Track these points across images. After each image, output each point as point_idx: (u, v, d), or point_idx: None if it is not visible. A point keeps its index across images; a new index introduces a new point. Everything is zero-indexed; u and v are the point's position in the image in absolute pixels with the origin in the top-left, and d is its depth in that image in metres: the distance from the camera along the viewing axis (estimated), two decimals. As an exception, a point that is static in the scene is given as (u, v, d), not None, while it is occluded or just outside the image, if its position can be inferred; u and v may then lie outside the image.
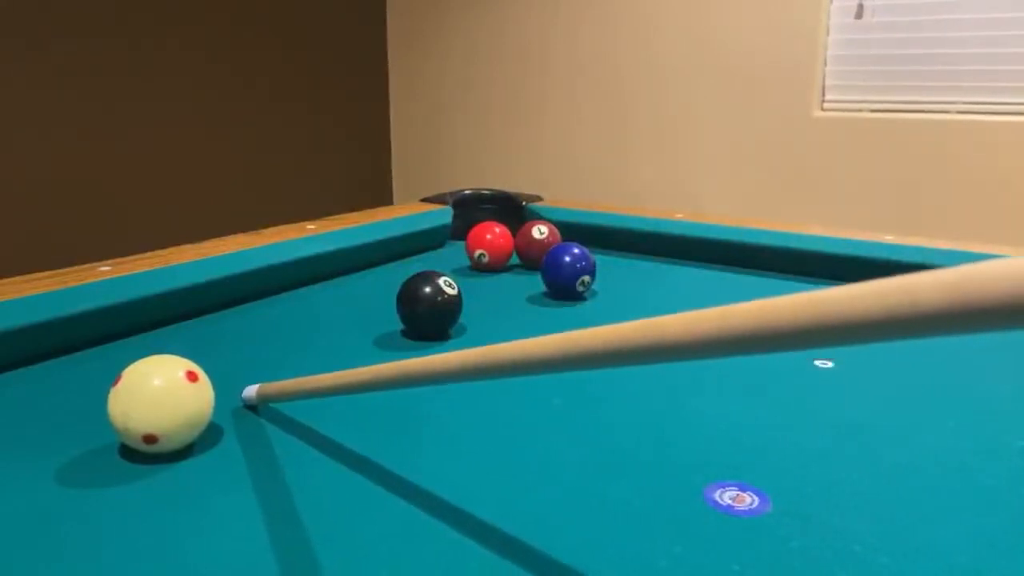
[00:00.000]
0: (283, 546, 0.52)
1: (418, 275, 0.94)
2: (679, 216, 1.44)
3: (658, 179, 2.95)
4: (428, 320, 0.93)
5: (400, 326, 0.98)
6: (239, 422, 0.71)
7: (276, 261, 1.13)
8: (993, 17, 2.29)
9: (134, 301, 0.94)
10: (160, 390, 0.62)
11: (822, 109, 2.61)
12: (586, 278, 1.10)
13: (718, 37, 2.72)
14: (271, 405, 0.75)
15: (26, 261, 2.24)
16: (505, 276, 1.25)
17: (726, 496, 0.59)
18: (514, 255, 1.29)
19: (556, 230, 1.29)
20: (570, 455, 0.65)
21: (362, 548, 0.52)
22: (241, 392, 0.76)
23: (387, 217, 1.39)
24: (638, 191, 2.99)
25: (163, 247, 1.14)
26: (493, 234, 1.26)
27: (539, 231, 1.27)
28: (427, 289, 0.92)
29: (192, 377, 0.64)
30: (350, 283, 1.20)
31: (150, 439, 0.62)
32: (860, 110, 2.54)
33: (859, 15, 2.48)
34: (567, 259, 1.09)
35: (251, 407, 0.75)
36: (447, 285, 0.93)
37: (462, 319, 1.01)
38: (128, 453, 0.65)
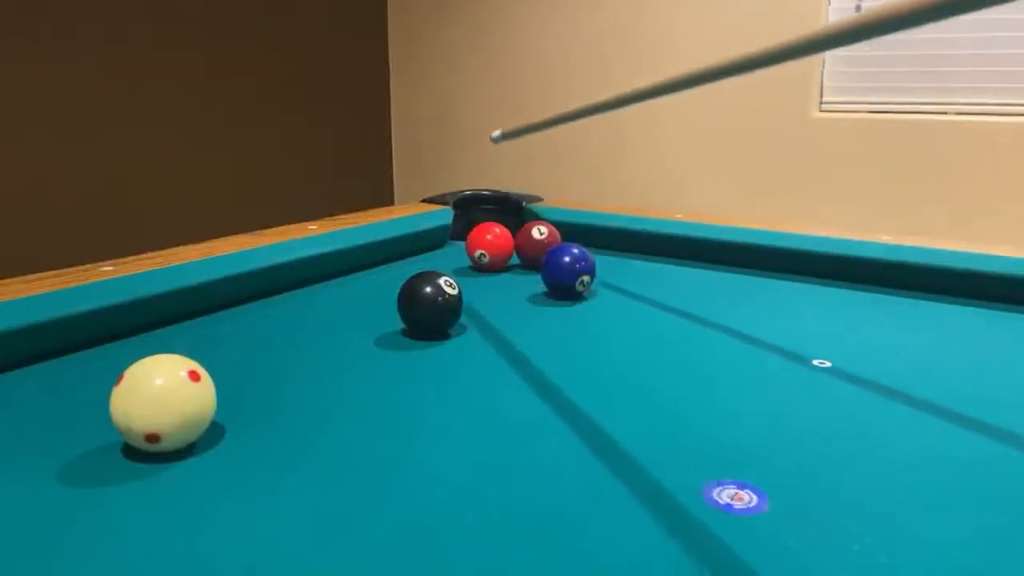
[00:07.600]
0: (284, 546, 0.53)
1: (419, 275, 0.94)
2: (678, 216, 1.45)
3: (657, 180, 2.95)
4: (429, 320, 0.93)
5: (401, 326, 0.98)
6: (241, 422, 0.72)
7: (277, 261, 1.13)
8: (990, 18, 2.29)
9: (136, 301, 0.94)
10: (162, 389, 0.62)
11: (820, 110, 2.61)
12: (586, 278, 1.10)
13: (717, 38, 2.72)
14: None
15: (29, 261, 2.24)
16: (505, 276, 1.26)
17: (724, 494, 0.59)
18: (514, 255, 1.29)
19: (556, 230, 1.29)
20: (568, 453, 0.66)
21: (362, 548, 0.52)
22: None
23: (387, 217, 1.40)
24: (637, 192, 2.99)
25: (165, 247, 1.14)
26: (493, 234, 1.26)
27: (539, 231, 1.27)
28: (428, 289, 0.92)
29: (194, 376, 0.65)
30: (351, 283, 1.21)
31: (152, 438, 0.62)
32: (858, 111, 2.55)
33: (858, 16, 2.48)
34: (567, 259, 1.10)
35: (497, 141, 1.10)
36: (448, 285, 0.93)
37: (462, 319, 1.01)
38: (130, 452, 0.65)
